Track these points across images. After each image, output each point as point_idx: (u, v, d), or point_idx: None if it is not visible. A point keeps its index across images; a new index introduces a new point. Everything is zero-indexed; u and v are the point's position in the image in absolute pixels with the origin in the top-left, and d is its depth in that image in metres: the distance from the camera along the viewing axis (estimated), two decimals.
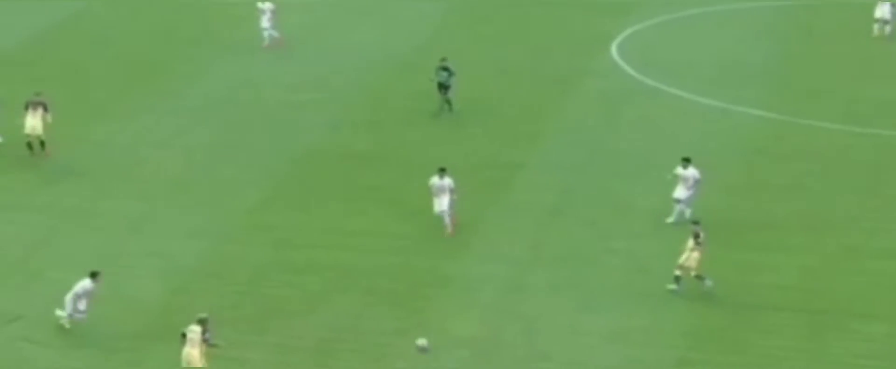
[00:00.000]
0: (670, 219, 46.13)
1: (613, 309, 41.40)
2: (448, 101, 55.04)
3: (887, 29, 66.61)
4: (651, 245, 45.31)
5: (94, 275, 38.94)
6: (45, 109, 49.44)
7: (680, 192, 46.44)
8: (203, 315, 36.94)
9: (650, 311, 41.35)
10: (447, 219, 44.96)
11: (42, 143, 49.39)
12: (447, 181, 44.97)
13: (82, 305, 38.69)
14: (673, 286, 42.04)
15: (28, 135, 49.38)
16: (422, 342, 36.37)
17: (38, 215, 46.46)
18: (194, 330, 36.58)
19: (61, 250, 44.32)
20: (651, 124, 56.08)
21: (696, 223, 42.85)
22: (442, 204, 44.88)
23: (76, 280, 41.50)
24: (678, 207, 46.38)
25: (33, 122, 49.28)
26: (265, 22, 62.47)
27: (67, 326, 38.68)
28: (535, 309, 41.23)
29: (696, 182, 46.42)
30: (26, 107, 49.40)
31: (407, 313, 40.14)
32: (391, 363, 38.07)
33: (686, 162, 46.59)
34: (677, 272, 41.93)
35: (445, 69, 54.84)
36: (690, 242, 41.92)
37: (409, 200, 47.70)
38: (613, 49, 63.95)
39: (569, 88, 59.61)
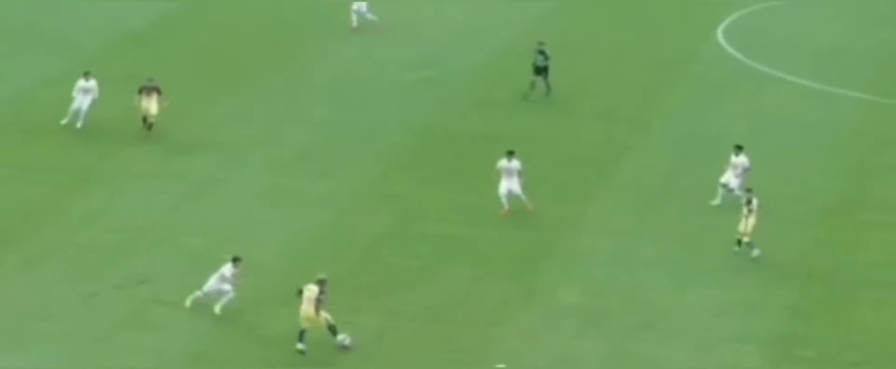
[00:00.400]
0: (715, 202, 45.07)
1: (716, 284, 40.88)
2: (547, 84, 53.86)
3: None
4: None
5: (235, 261, 38.11)
6: (159, 93, 49.00)
7: (728, 178, 44.93)
8: (322, 275, 36.52)
9: (753, 286, 40.72)
10: (524, 198, 44.03)
11: (150, 125, 48.94)
12: (515, 163, 44.09)
13: (227, 286, 37.85)
14: (736, 248, 42.03)
15: (147, 115, 49.09)
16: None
17: (168, 184, 46.25)
18: (311, 289, 36.27)
19: (191, 217, 44.11)
20: (756, 107, 55.17)
21: (748, 190, 42.57)
22: (512, 185, 43.92)
23: (205, 245, 41.67)
24: (722, 191, 44.93)
25: (147, 105, 48.85)
26: (362, 5, 61.31)
27: (188, 305, 38.09)
28: (639, 281, 40.73)
29: (745, 170, 44.83)
30: (140, 92, 48.96)
31: (515, 284, 39.63)
32: (498, 331, 37.54)
33: (738, 149, 45.13)
34: (738, 237, 41.87)
35: (542, 53, 53.71)
36: (744, 209, 41.86)
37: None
38: (719, 34, 62.93)
39: (676, 73, 58.75)
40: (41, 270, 40.12)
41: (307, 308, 36.00)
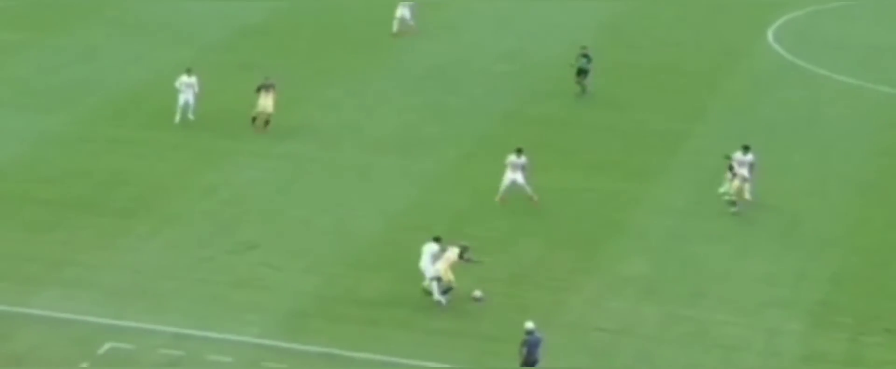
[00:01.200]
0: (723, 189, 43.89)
1: (765, 256, 40.41)
2: (584, 86, 52.60)
3: None
4: (801, 202, 44.10)
5: (437, 240, 37.27)
6: (274, 90, 48.85)
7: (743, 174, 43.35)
8: (465, 242, 37.07)
9: (798, 258, 40.26)
10: (529, 190, 43.23)
11: (266, 122, 48.57)
12: (523, 159, 43.36)
13: (440, 264, 36.95)
14: (734, 209, 42.72)
15: (258, 113, 48.51)
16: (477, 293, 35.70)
17: (277, 162, 46.30)
18: (452, 251, 36.57)
19: (296, 192, 44.14)
20: (801, 100, 54.53)
21: (727, 157, 43.27)
22: (516, 177, 43.17)
23: (309, 217, 41.74)
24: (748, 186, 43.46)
25: (264, 102, 48.41)
26: (406, 12, 59.70)
27: (429, 287, 36.99)
28: (694, 254, 40.29)
29: (751, 166, 43.33)
30: (258, 90, 48.53)
31: (583, 255, 39.33)
32: (567, 297, 37.30)
33: (746, 149, 43.46)
34: (729, 198, 42.93)
35: (585, 56, 52.60)
36: (728, 174, 42.77)
37: (590, 159, 47.05)
38: (769, 34, 62.21)
39: (730, 68, 58.14)
40: (166, 236, 40.32)
41: (443, 266, 36.19)
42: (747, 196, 43.19)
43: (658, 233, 41.83)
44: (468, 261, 36.93)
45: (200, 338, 34.50)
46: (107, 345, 33.94)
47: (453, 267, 36.44)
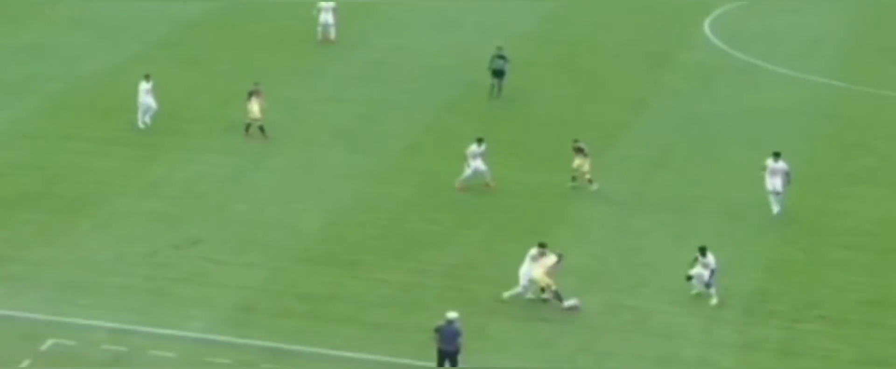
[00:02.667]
0: (774, 211, 42.28)
1: (707, 244, 39.70)
2: (500, 88, 51.43)
3: None
4: (740, 194, 43.94)
5: (542, 245, 36.40)
6: (260, 96, 47.83)
7: (773, 184, 42.10)
8: (559, 251, 36.36)
9: (736, 249, 40.07)
10: (488, 177, 43.23)
11: (261, 128, 47.51)
12: (483, 148, 43.19)
13: (537, 270, 36.13)
14: (572, 184, 43.66)
15: (252, 120, 47.46)
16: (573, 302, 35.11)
17: (222, 158, 45.82)
18: (551, 257, 36.05)
19: (240, 187, 43.65)
20: (738, 91, 54.60)
21: (576, 140, 43.76)
22: (479, 166, 43.08)
23: (253, 212, 41.31)
24: (773, 198, 42.16)
25: (254, 108, 47.63)
26: (329, 17, 58.26)
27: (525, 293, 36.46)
28: (636, 245, 40.12)
29: (786, 173, 42.14)
30: (249, 96, 47.68)
31: (525, 246, 38.76)
32: (509, 288, 36.83)
33: (777, 156, 42.43)
34: (573, 175, 43.58)
35: (501, 57, 51.64)
36: (578, 156, 43.35)
37: (531, 151, 46.82)
38: (706, 26, 62.24)
39: (667, 60, 58.10)
40: (110, 232, 39.78)
41: (539, 271, 35.71)
42: (775, 208, 41.94)
43: (599, 224, 41.65)
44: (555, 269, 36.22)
45: (144, 334, 33.98)
46: (49, 342, 33.38)
47: (549, 273, 35.78)
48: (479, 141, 43.40)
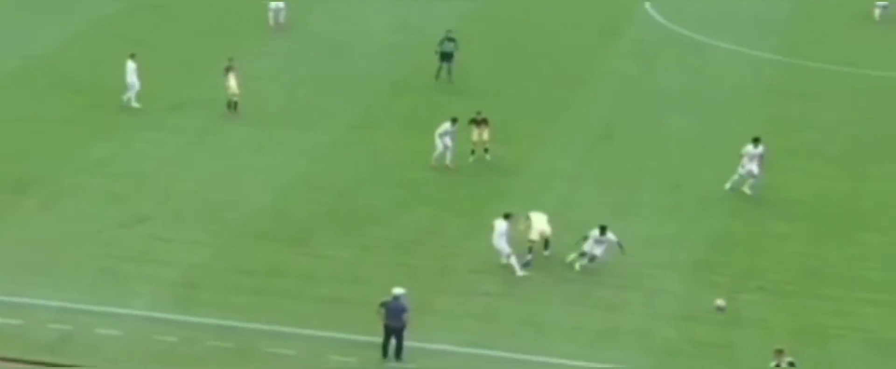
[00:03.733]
0: (741, 187, 42.44)
1: (648, 219, 40.44)
2: (449, 71, 51.07)
3: None
4: (683, 167, 44.16)
5: (507, 216, 36.82)
6: (235, 72, 47.55)
7: (748, 168, 42.04)
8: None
9: (679, 221, 40.34)
10: (450, 157, 43.21)
11: (235, 104, 47.39)
12: (456, 127, 43.15)
13: (503, 241, 36.67)
14: (471, 158, 43.56)
15: (232, 95, 47.41)
16: (720, 302, 34.41)
17: (169, 136, 45.50)
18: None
19: (187, 165, 43.37)
20: (682, 67, 54.68)
21: (478, 112, 43.84)
22: (446, 144, 43.03)
23: (199, 189, 41.09)
24: (750, 181, 42.10)
25: (232, 84, 47.36)
26: (280, 3, 56.99)
27: (512, 262, 36.62)
28: (582, 218, 39.82)
29: (761, 157, 42.13)
30: (226, 72, 47.38)
31: (472, 221, 38.95)
32: (456, 263, 37.04)
33: (756, 141, 42.25)
34: (473, 148, 43.52)
35: (451, 40, 51.17)
36: (475, 128, 43.50)
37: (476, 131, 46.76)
38: (647, 4, 62.30)
39: (610, 37, 58.05)
40: (56, 210, 39.47)
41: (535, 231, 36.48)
42: (747, 190, 41.89)
43: (544, 198, 41.42)
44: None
45: (90, 312, 33.75)
46: None
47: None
48: (454, 120, 43.25)
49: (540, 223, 37.29)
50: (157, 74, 48.64)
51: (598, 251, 36.67)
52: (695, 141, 46.33)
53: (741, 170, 41.96)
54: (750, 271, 36.49)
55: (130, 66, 47.40)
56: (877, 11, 61.14)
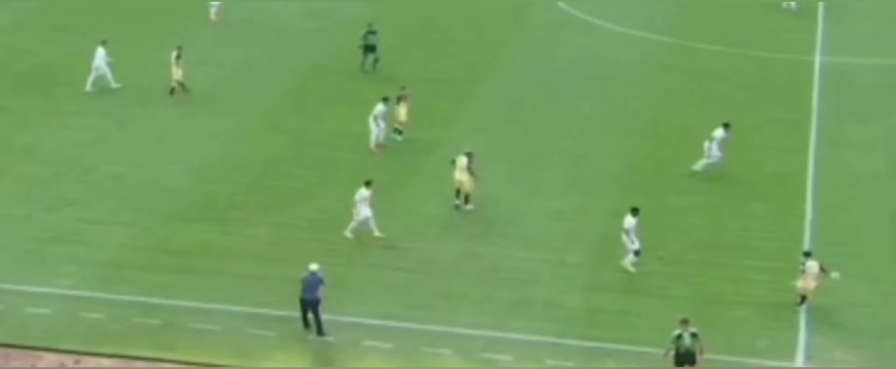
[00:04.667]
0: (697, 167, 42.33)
1: (554, 195, 40.41)
2: (374, 62, 50.44)
3: None
4: (586, 144, 44.22)
5: (368, 184, 36.77)
6: (182, 59, 46.98)
7: (712, 150, 41.91)
8: (469, 149, 38.42)
9: (583, 196, 40.34)
10: (382, 137, 43.04)
11: (174, 89, 46.81)
12: (387, 108, 43.04)
13: (364, 209, 36.59)
14: (397, 136, 43.38)
15: (175, 82, 46.84)
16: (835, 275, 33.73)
17: (94, 120, 44.76)
18: (462, 160, 38.20)
19: (111, 149, 42.71)
20: (583, 48, 54.66)
21: (403, 87, 43.95)
22: (380, 126, 42.90)
23: (124, 172, 40.52)
24: (706, 162, 42.14)
25: (177, 71, 46.79)
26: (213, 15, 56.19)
27: (371, 225, 36.72)
28: (489, 195, 39.89)
29: (724, 141, 42.06)
30: (176, 60, 46.69)
31: (385, 199, 38.62)
32: (370, 239, 36.74)
33: (726, 126, 42.26)
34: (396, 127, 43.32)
35: (373, 32, 50.53)
36: (401, 106, 43.11)
37: (390, 110, 46.26)
38: None
39: (515, 22, 57.88)
40: None
41: (460, 176, 36.70)
42: (698, 168, 41.76)
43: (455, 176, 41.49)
44: (472, 171, 38.40)
45: (18, 292, 33.15)
46: None
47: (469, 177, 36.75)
48: (384, 100, 43.04)
49: (461, 167, 38.44)
50: (83, 60, 47.88)
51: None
52: (593, 119, 46.39)
53: (709, 155, 41.71)
54: (650, 243, 36.44)
55: (100, 52, 46.82)
56: (784, 4, 60.83)
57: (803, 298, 33.76)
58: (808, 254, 34.16)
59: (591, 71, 51.80)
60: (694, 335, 30.12)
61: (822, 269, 33.59)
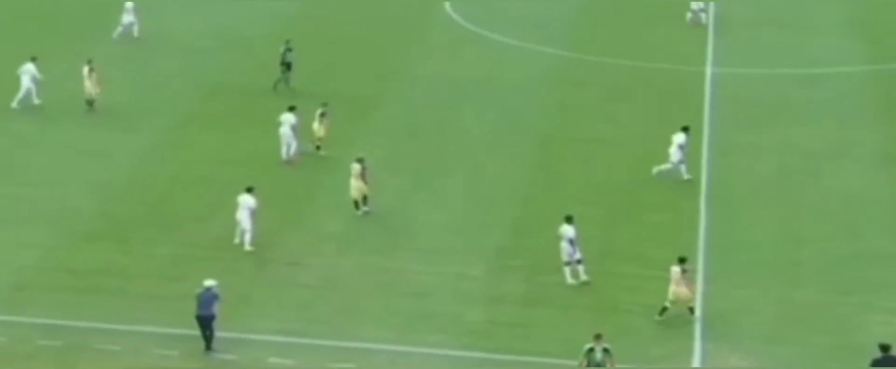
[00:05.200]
0: (657, 169, 42.29)
1: (453, 209, 40.05)
2: (287, 78, 49.68)
3: None
4: (486, 158, 43.94)
5: (249, 190, 36.70)
6: (95, 72, 46.39)
7: (674, 153, 41.85)
8: (361, 155, 38.87)
9: (483, 208, 40.09)
10: (295, 150, 42.73)
11: (90, 102, 46.34)
12: (298, 120, 42.84)
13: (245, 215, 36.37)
14: (320, 152, 43.08)
15: (89, 96, 46.28)
16: None
17: None
18: (355, 166, 38.54)
19: (15, 170, 41.78)
20: (483, 64, 54.41)
21: (325, 103, 43.52)
22: (289, 139, 42.62)
23: (26, 193, 39.62)
24: (670, 166, 42.04)
25: (89, 84, 46.13)
26: (131, 17, 55.14)
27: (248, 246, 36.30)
28: (391, 208, 39.55)
29: (682, 146, 41.94)
30: (89, 73, 45.97)
31: (286, 215, 38.11)
32: (273, 255, 36.23)
33: (686, 129, 42.23)
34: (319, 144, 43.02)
35: (290, 50, 49.85)
36: (317, 119, 42.87)
37: (301, 126, 45.59)
38: (447, 6, 62.18)
39: (415, 39, 57.60)
40: None
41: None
42: (656, 171, 41.74)
43: None
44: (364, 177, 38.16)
45: None
46: None
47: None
48: (291, 109, 42.84)
49: (355, 174, 38.57)
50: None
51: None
52: (497, 134, 46.15)
53: (673, 160, 41.53)
54: (548, 254, 36.17)
55: (28, 67, 46.04)
56: (689, 15, 60.62)
57: (669, 306, 33.36)
58: (682, 260, 33.87)
59: (489, 85, 51.61)
60: (606, 350, 29.71)
61: (684, 271, 33.44)
